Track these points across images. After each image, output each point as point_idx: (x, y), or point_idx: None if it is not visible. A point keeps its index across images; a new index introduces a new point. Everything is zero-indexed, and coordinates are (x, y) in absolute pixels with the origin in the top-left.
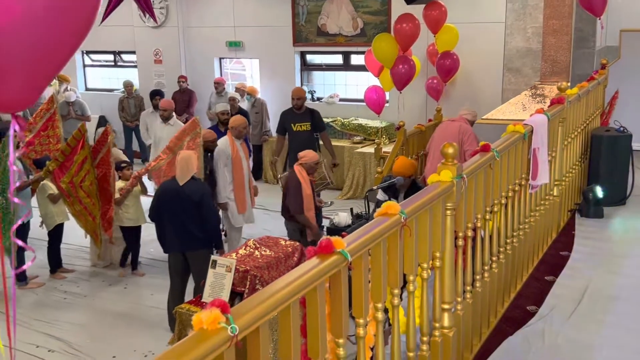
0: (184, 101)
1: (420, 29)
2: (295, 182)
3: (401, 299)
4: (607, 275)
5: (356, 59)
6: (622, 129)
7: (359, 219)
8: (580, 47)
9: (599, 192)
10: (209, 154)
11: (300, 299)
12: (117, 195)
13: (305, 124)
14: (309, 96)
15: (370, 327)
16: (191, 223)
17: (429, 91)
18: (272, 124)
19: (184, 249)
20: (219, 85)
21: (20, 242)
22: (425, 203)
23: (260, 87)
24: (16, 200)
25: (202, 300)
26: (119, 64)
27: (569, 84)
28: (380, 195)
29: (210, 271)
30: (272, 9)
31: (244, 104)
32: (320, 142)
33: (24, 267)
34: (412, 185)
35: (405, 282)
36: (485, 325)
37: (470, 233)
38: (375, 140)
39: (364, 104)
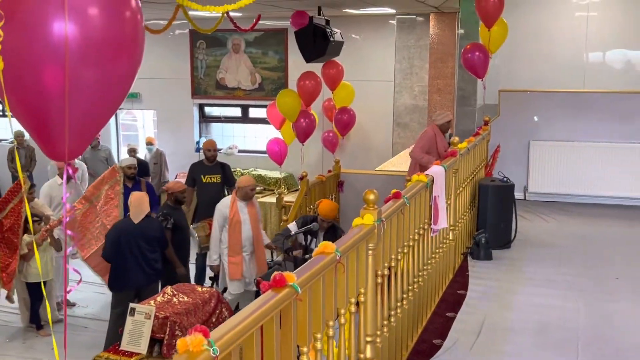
0: None
1: (322, 85)
2: None
3: None
4: (500, 310)
5: (255, 112)
6: (505, 179)
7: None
8: (462, 105)
9: (487, 237)
10: (179, 206)
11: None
12: (25, 250)
13: (215, 176)
14: None
15: (311, 356)
16: (152, 258)
17: (325, 144)
18: (170, 175)
19: (145, 283)
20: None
21: None
22: (353, 243)
23: (158, 138)
24: None
25: (121, 348)
26: (6, 113)
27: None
28: (301, 239)
29: (129, 319)
30: (171, 61)
31: (145, 155)
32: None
33: None
34: (331, 227)
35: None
36: (399, 357)
37: (386, 272)
38: (276, 191)
39: (263, 155)
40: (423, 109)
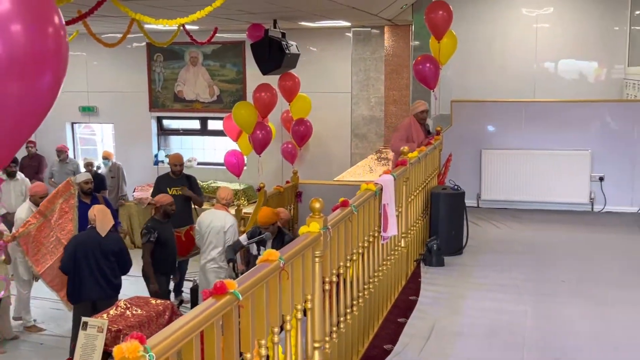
0: (33, 167)
1: (277, 97)
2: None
3: None
4: (450, 315)
5: (213, 124)
6: (456, 187)
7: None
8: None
9: (439, 243)
10: (167, 220)
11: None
12: None
13: (181, 189)
14: (166, 160)
15: None
16: (109, 272)
17: (285, 155)
18: (129, 188)
19: (101, 297)
20: (61, 152)
21: None
22: (298, 251)
23: (116, 152)
24: None
25: None
26: None
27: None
28: (253, 250)
29: (82, 333)
30: (128, 75)
31: (101, 169)
32: (195, 207)
33: None
34: (278, 234)
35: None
36: None
37: (334, 278)
38: (235, 202)
39: (223, 167)
40: (380, 120)
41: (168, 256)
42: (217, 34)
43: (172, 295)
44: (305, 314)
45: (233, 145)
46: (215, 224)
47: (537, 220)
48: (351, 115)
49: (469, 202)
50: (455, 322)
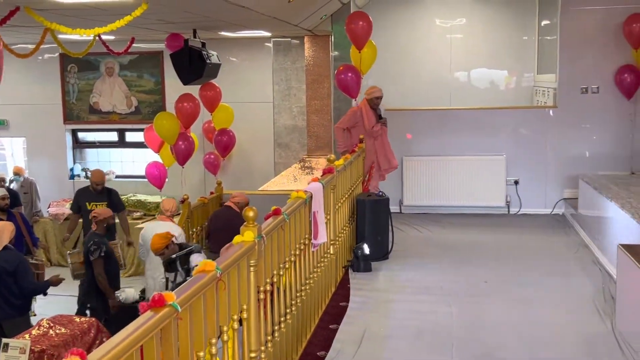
0: None
1: (200, 107)
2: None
3: None
4: (380, 319)
5: (132, 136)
6: (381, 193)
7: (145, 292)
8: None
9: (366, 249)
10: (106, 234)
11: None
12: None
13: (101, 203)
14: (82, 174)
15: None
16: (7, 292)
17: (207, 166)
18: (43, 204)
19: (1, 318)
20: None
21: None
22: (234, 260)
23: (28, 167)
24: None
25: None
26: None
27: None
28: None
29: (2, 355)
30: (41, 86)
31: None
32: (117, 221)
33: None
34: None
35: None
36: None
37: (268, 287)
38: (157, 215)
39: (142, 179)
40: (302, 129)
41: (114, 270)
42: (134, 44)
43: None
44: (241, 323)
45: (153, 157)
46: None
47: (457, 224)
48: (274, 125)
49: (392, 208)
50: (385, 326)
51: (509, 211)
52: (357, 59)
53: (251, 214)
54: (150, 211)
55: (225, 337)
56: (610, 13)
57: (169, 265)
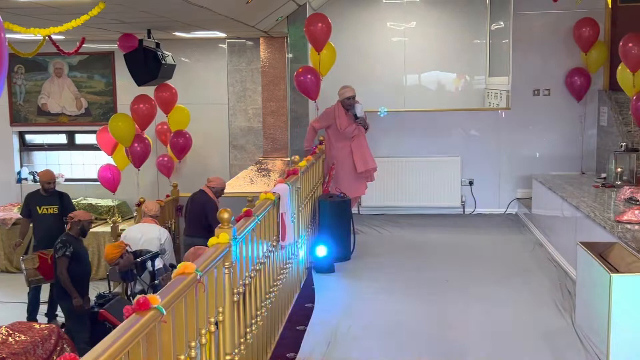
0: None
1: (156, 109)
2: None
3: None
4: (346, 319)
5: (82, 139)
6: (341, 195)
7: (102, 299)
8: (296, 126)
9: (324, 251)
10: (81, 237)
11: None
12: None
13: (52, 207)
14: (30, 177)
15: None
16: None
17: (160, 168)
18: None
19: None
20: None
21: None
22: (212, 262)
23: None
24: None
25: None
26: None
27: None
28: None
29: None
30: None
31: None
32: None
33: None
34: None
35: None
36: None
37: (242, 289)
38: (109, 219)
39: (93, 182)
40: (258, 131)
41: (83, 275)
42: (84, 44)
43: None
44: (216, 326)
45: (104, 160)
46: (150, 235)
47: (415, 224)
48: (229, 127)
49: (353, 209)
50: (352, 326)
51: (464, 211)
52: (316, 61)
53: (226, 215)
54: (102, 215)
55: (204, 340)
56: (560, 17)
57: (126, 274)
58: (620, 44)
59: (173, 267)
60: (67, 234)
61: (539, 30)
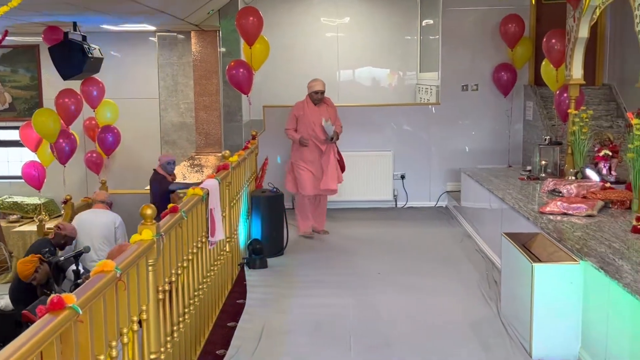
0: None
1: (83, 103)
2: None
3: None
4: (278, 314)
5: (5, 135)
6: (275, 190)
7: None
8: (229, 120)
9: (260, 245)
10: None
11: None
12: None
13: None
14: None
15: None
16: None
17: (89, 165)
18: None
19: None
20: None
21: None
22: (133, 260)
23: None
24: None
25: None
26: None
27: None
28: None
29: None
30: None
31: None
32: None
33: None
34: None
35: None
36: None
37: (167, 287)
38: (36, 218)
39: (18, 180)
40: (191, 126)
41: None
42: (7, 37)
43: None
44: (140, 325)
45: (30, 156)
46: (103, 220)
47: (349, 218)
48: (160, 122)
49: (285, 204)
50: (283, 321)
51: (396, 205)
52: (248, 55)
53: (149, 211)
54: (28, 213)
55: (125, 340)
56: (487, 14)
57: (45, 286)
58: (544, 40)
59: None
60: (49, 242)
61: (467, 26)
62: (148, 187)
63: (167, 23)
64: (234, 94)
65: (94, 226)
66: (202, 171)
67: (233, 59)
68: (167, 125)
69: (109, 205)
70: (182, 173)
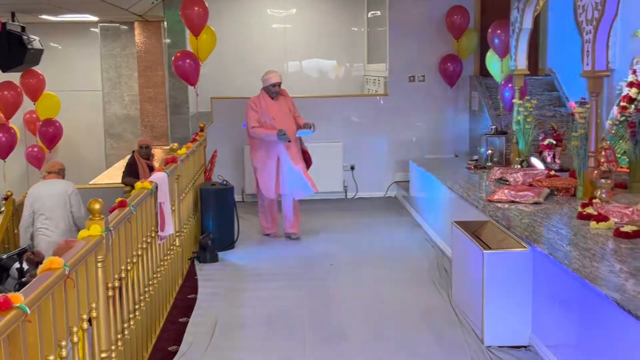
0: None
1: (23, 96)
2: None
3: None
4: (231, 308)
5: None
6: (225, 182)
7: None
8: (176, 112)
9: (208, 239)
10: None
11: None
12: None
13: None
14: None
15: None
16: None
17: (30, 159)
18: None
19: None
20: None
21: None
22: (82, 256)
23: None
24: None
25: None
26: None
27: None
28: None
29: None
30: None
31: None
32: None
33: None
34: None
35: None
36: None
37: (117, 283)
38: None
39: None
40: (136, 119)
41: None
42: None
43: None
44: (90, 323)
45: None
46: (56, 189)
47: (299, 209)
48: (104, 115)
49: (236, 197)
50: (236, 315)
51: (346, 196)
52: (195, 46)
53: (97, 206)
54: None
55: (76, 339)
56: (433, 5)
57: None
58: (489, 31)
59: None
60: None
61: (414, 18)
62: (96, 180)
63: (110, 13)
64: (180, 85)
65: (49, 197)
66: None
67: (179, 49)
68: (111, 118)
69: (62, 174)
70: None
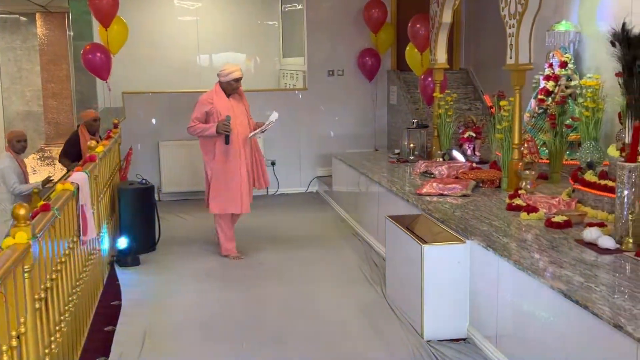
0: None
1: None
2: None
3: None
4: (160, 314)
5: None
6: (144, 181)
7: None
8: (83, 108)
9: (127, 241)
10: None
11: None
12: None
13: None
14: None
15: None
16: None
17: None
18: None
19: None
20: None
21: None
22: (10, 268)
23: None
24: None
25: None
26: None
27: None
28: None
29: None
30: None
31: None
32: None
33: None
34: None
35: None
36: None
37: (43, 295)
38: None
39: None
40: (39, 115)
41: None
42: None
43: None
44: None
45: None
46: None
47: None
48: (3, 112)
49: (156, 196)
50: (165, 321)
51: (267, 192)
52: (104, 38)
53: (22, 211)
54: None
55: (5, 358)
56: None
57: None
58: (409, 24)
59: None
60: None
61: (332, 12)
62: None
63: (9, 3)
64: (88, 79)
65: None
66: (54, 164)
67: (85, 42)
68: (12, 114)
69: None
70: (32, 166)
